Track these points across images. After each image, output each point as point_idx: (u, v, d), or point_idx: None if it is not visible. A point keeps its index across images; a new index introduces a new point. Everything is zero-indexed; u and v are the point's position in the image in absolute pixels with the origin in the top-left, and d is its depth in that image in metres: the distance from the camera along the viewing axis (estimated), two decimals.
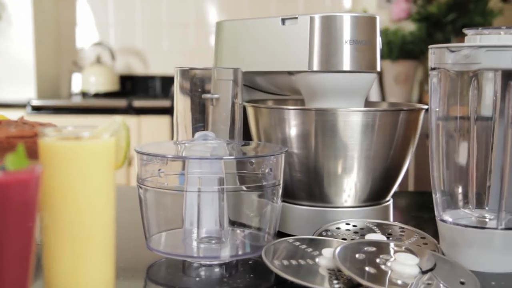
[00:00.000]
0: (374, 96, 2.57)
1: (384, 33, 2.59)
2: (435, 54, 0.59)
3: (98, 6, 3.02)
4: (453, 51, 0.57)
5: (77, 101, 2.74)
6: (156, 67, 3.00)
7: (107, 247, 0.44)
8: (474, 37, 0.59)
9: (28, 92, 2.65)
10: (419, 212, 0.88)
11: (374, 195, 0.70)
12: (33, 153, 0.45)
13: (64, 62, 3.00)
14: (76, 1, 3.03)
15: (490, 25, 2.53)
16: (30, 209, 0.36)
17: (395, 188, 0.73)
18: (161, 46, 3.02)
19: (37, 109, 2.51)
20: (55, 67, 2.95)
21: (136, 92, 2.98)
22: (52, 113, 2.51)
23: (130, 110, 2.51)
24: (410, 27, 2.60)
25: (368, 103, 0.77)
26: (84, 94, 2.86)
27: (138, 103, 2.54)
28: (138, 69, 3.03)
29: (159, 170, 0.58)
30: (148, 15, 3.02)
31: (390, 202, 0.73)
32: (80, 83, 2.90)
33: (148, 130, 2.50)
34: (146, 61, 3.03)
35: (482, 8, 2.49)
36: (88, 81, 2.84)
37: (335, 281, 0.53)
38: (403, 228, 0.67)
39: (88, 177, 0.42)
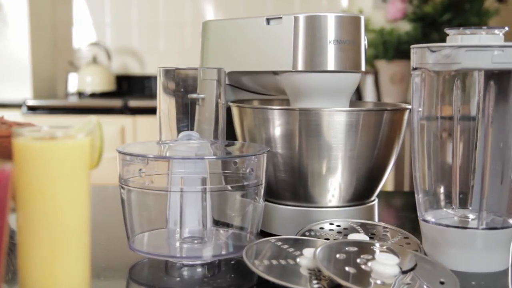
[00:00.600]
0: (370, 96, 2.57)
1: (380, 33, 2.59)
2: (417, 54, 0.59)
3: (95, 6, 3.02)
4: (434, 51, 0.57)
5: (73, 101, 2.74)
6: (153, 67, 3.00)
7: (82, 247, 0.44)
8: (455, 37, 0.59)
9: (24, 92, 2.65)
10: (406, 212, 0.88)
11: (358, 195, 0.70)
12: (10, 152, 0.45)
13: (60, 62, 3.00)
14: (73, 1, 3.03)
15: (486, 25, 2.53)
16: (1, 209, 0.36)
17: (379, 188, 0.73)
18: (157, 46, 3.01)
19: (32, 109, 2.51)
20: (51, 67, 2.95)
21: (133, 92, 2.98)
22: (47, 113, 2.51)
23: (126, 110, 2.51)
24: (405, 27, 2.60)
25: (353, 103, 0.77)
26: (80, 94, 2.86)
27: (133, 103, 2.54)
28: (135, 69, 3.03)
29: (140, 170, 0.58)
30: (144, 15, 3.02)
31: (375, 202, 0.73)
32: (76, 83, 2.90)
33: (144, 130, 2.50)
34: (142, 61, 3.03)
35: (478, 8, 2.49)
36: (84, 81, 2.84)
37: (314, 281, 0.53)
38: (386, 228, 0.67)
39: (62, 177, 0.42)
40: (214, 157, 0.63)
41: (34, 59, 2.71)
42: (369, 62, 2.62)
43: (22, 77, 2.67)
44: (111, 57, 2.97)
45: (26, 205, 0.43)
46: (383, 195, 1.00)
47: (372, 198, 0.73)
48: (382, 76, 2.58)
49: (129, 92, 2.98)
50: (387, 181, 2.27)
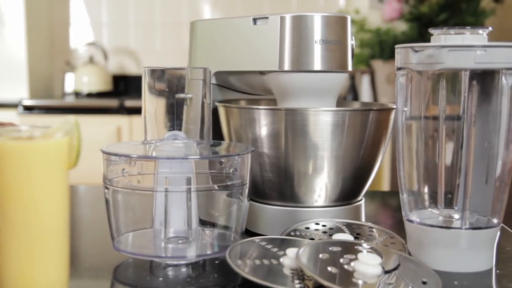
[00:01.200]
0: (366, 96, 2.57)
1: (376, 32, 2.59)
2: (401, 54, 0.59)
3: (91, 5, 3.02)
4: (417, 51, 0.57)
5: (69, 101, 2.74)
6: None
7: (60, 247, 0.44)
8: (439, 37, 0.59)
9: (20, 91, 2.65)
10: (393, 211, 0.88)
11: (345, 195, 0.70)
12: None
13: (57, 62, 3.00)
14: (69, 1, 3.02)
15: (482, 25, 2.53)
16: None
17: (366, 188, 0.73)
18: (154, 46, 3.01)
19: (28, 109, 2.51)
20: (48, 67, 2.95)
21: (129, 92, 2.98)
22: (44, 113, 2.51)
23: (122, 110, 2.51)
24: (402, 27, 2.60)
25: (340, 103, 0.77)
26: (77, 94, 2.85)
27: (130, 103, 2.54)
28: (131, 69, 3.03)
29: (123, 170, 0.58)
30: (141, 15, 3.02)
31: (362, 202, 0.73)
32: (73, 83, 2.89)
33: (140, 130, 2.49)
34: (139, 61, 3.03)
35: (474, 8, 2.49)
36: (81, 81, 2.84)
37: (296, 281, 0.53)
38: (372, 228, 0.67)
39: (40, 177, 0.42)
40: (197, 157, 0.63)
41: (30, 59, 2.71)
42: (365, 62, 2.62)
43: (19, 77, 2.67)
44: (108, 57, 2.97)
45: (4, 204, 0.42)
46: (372, 194, 1.00)
47: (359, 198, 0.73)
48: (379, 76, 2.58)
49: (125, 92, 2.98)
50: (383, 181, 2.27)
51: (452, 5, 2.48)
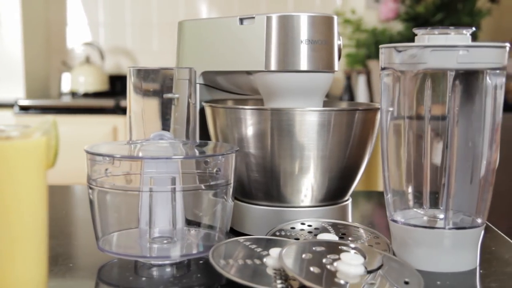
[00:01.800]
0: (362, 96, 2.57)
1: (372, 33, 2.59)
2: (384, 54, 0.60)
3: (88, 5, 3.02)
4: (400, 51, 0.57)
5: (66, 101, 2.74)
6: None
7: (38, 248, 0.44)
8: (423, 37, 0.59)
9: (16, 92, 2.65)
10: (381, 211, 0.88)
11: (331, 195, 0.70)
12: None
13: (53, 62, 3.00)
14: (66, 0, 3.02)
15: (478, 25, 2.53)
16: None
17: (353, 188, 0.73)
18: (151, 46, 3.01)
19: (24, 109, 2.51)
20: (45, 67, 2.95)
21: (126, 92, 2.97)
22: (39, 113, 2.51)
23: (118, 110, 2.51)
24: (398, 27, 2.60)
25: (326, 103, 0.77)
26: (73, 94, 2.85)
27: (126, 103, 2.53)
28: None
29: (106, 170, 0.58)
30: (138, 15, 3.02)
31: (349, 202, 0.73)
32: (69, 83, 2.89)
33: None
34: (136, 60, 3.03)
35: (470, 8, 2.49)
36: (77, 81, 2.84)
37: (278, 281, 0.53)
38: (358, 228, 0.67)
39: (18, 176, 0.42)
40: (179, 157, 0.62)
41: (27, 59, 2.71)
42: (361, 62, 2.62)
43: (15, 76, 2.67)
44: (104, 57, 2.97)
45: None
46: (361, 194, 1.00)
47: (346, 198, 0.73)
48: (375, 76, 2.58)
49: (122, 92, 2.98)
50: (378, 181, 2.27)
51: (448, 5, 2.48)
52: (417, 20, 2.49)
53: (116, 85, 2.99)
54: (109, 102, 2.55)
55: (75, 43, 3.03)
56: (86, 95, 2.82)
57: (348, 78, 2.61)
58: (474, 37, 2.47)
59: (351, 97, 2.59)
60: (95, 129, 2.47)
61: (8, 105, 2.50)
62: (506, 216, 2.43)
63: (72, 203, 0.94)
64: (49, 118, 0.43)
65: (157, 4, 3.00)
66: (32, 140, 0.43)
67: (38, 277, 0.44)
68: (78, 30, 3.03)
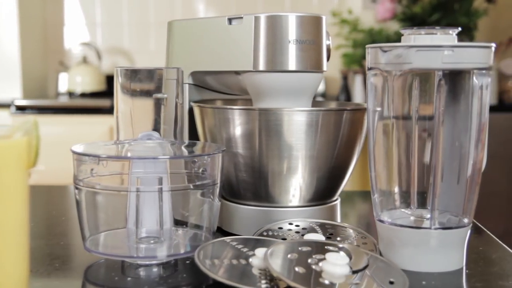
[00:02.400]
0: (359, 96, 2.57)
1: (369, 33, 2.59)
2: (371, 54, 0.59)
3: (85, 6, 3.02)
4: (385, 51, 0.57)
5: (63, 101, 2.74)
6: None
7: (18, 248, 0.44)
8: (409, 37, 0.59)
9: (13, 91, 2.65)
10: (370, 211, 0.88)
11: (319, 195, 0.70)
12: None
13: (50, 62, 3.00)
14: (63, 0, 3.02)
15: (475, 25, 2.53)
16: None
17: (341, 188, 0.73)
18: (148, 46, 3.02)
19: (21, 109, 2.51)
20: (42, 67, 2.95)
21: None
22: (36, 113, 2.51)
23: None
24: (394, 27, 2.60)
25: (315, 103, 0.77)
26: (70, 94, 2.86)
27: None
28: None
29: (92, 170, 0.58)
30: (135, 15, 3.02)
31: (337, 202, 0.73)
32: (66, 83, 2.89)
33: None
34: (133, 60, 3.03)
35: (467, 8, 2.49)
36: (75, 81, 2.84)
37: (263, 281, 0.53)
38: (345, 228, 0.67)
39: None
40: (165, 157, 0.62)
41: (24, 59, 2.71)
42: (358, 62, 2.62)
43: (12, 76, 2.67)
44: (102, 57, 2.97)
45: None
46: (351, 194, 1.00)
47: (334, 198, 0.73)
48: None
49: None
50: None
51: (445, 5, 2.48)
52: (413, 20, 2.50)
53: (113, 85, 2.99)
54: (106, 102, 2.55)
55: (72, 43, 3.03)
56: (83, 95, 2.82)
57: (345, 78, 2.61)
58: (471, 37, 2.47)
59: (348, 97, 2.59)
60: (92, 129, 2.47)
61: (5, 105, 2.51)
62: (504, 216, 2.43)
63: (68, 203, 0.94)
64: (30, 118, 0.43)
65: (154, 4, 3.01)
66: (13, 140, 0.43)
67: (18, 278, 0.44)
68: (75, 30, 3.03)
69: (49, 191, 1.06)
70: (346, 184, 0.73)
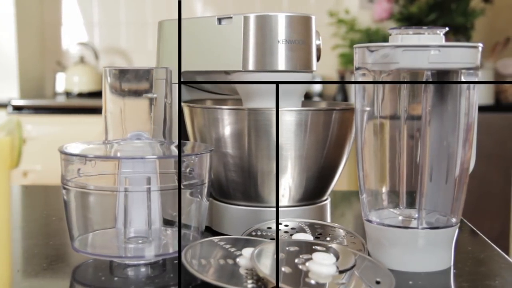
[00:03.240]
0: None
1: (366, 33, 2.59)
2: (358, 54, 0.59)
3: (83, 5, 3.02)
4: (372, 51, 0.57)
5: (60, 101, 2.74)
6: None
7: (1, 248, 0.44)
8: (396, 36, 0.59)
9: (10, 91, 2.65)
10: (360, 211, 0.88)
11: (309, 195, 0.70)
12: None
13: (48, 62, 3.00)
14: (61, 0, 3.02)
15: (472, 25, 2.53)
16: None
17: (331, 187, 0.73)
18: (145, 46, 3.01)
19: (18, 108, 2.51)
20: (39, 67, 2.95)
21: None
22: (33, 113, 2.51)
23: None
24: (391, 27, 2.60)
25: (304, 103, 0.77)
26: (67, 94, 2.85)
27: None
28: None
29: (79, 170, 0.58)
30: (132, 14, 3.01)
31: (327, 202, 0.73)
32: (63, 83, 2.89)
33: None
34: (130, 60, 3.03)
35: (464, 8, 2.49)
36: (72, 81, 2.84)
37: (249, 281, 0.53)
38: (334, 227, 0.67)
39: None
40: (152, 157, 0.62)
41: (21, 59, 2.70)
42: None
43: (9, 76, 2.66)
44: (99, 57, 2.97)
45: None
46: (341, 194, 1.00)
47: (324, 198, 0.73)
48: None
49: None
50: None
51: (442, 5, 2.48)
52: (410, 20, 2.49)
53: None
54: (102, 102, 2.55)
55: (70, 43, 3.03)
56: (81, 95, 2.82)
57: (342, 78, 2.61)
58: (468, 37, 2.47)
59: (345, 97, 2.59)
60: (90, 129, 2.46)
61: (2, 105, 2.50)
62: (501, 217, 2.43)
63: (62, 203, 0.94)
64: (13, 118, 0.43)
65: (152, 3, 3.00)
66: None
67: (3, 278, 0.44)
68: (72, 30, 3.03)
69: (45, 191, 1.06)
70: (336, 184, 0.73)
